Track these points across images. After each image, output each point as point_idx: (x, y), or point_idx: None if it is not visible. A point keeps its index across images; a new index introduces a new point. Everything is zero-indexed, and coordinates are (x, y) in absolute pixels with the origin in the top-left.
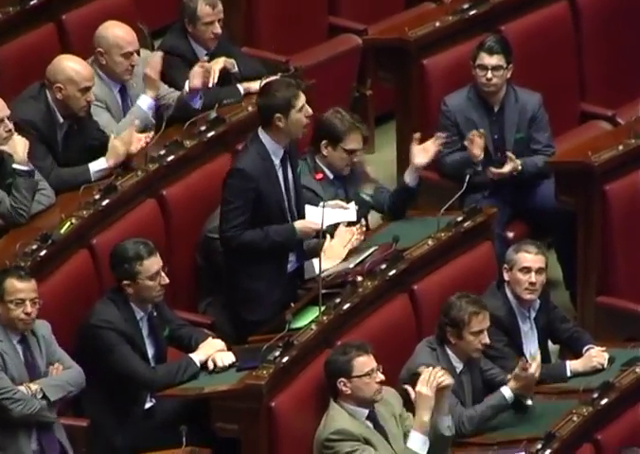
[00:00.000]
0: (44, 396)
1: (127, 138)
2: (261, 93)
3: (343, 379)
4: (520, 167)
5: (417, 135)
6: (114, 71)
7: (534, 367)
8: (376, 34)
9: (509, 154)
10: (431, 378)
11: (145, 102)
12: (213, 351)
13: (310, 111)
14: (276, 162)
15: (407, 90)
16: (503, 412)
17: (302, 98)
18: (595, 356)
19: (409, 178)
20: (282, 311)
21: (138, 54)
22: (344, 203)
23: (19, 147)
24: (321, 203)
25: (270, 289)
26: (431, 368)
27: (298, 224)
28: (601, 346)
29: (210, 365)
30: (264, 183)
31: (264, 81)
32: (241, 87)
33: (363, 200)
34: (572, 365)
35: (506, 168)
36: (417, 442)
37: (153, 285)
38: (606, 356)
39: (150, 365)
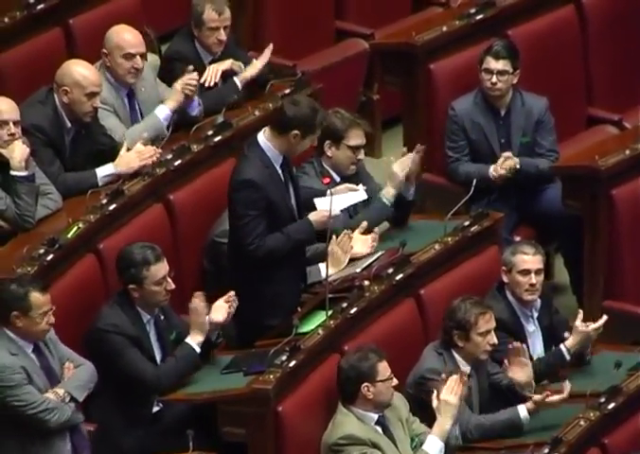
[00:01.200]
0: (72, 398)
1: (146, 154)
2: (295, 103)
3: (367, 384)
4: (518, 166)
5: (404, 150)
6: (116, 72)
7: (556, 397)
8: (383, 38)
9: (507, 153)
10: (456, 386)
11: (163, 112)
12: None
13: (315, 143)
14: (277, 168)
15: (414, 94)
16: (514, 430)
17: (319, 132)
18: (582, 326)
19: (404, 190)
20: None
21: (144, 58)
22: (352, 185)
23: (16, 152)
24: (329, 191)
25: (286, 293)
26: (454, 376)
27: (312, 216)
28: (607, 350)
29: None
30: (272, 190)
31: (295, 96)
32: (238, 80)
33: (384, 204)
34: (567, 345)
35: (503, 166)
36: (435, 447)
37: (159, 290)
38: None
39: (156, 367)
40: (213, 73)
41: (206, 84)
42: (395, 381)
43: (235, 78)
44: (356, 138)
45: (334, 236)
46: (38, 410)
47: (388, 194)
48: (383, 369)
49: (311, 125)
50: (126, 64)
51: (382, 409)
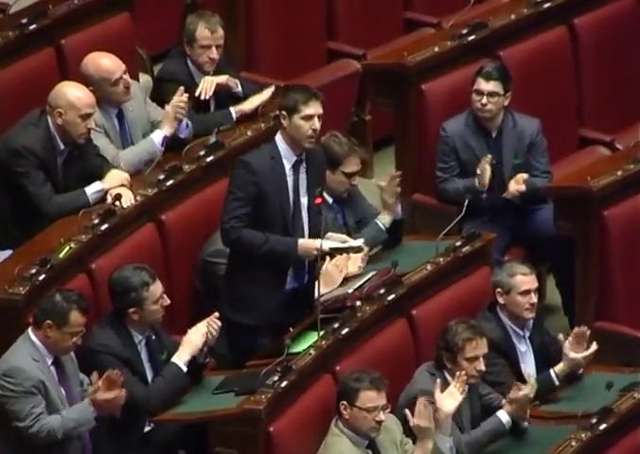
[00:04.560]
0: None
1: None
2: (281, 92)
3: (345, 403)
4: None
5: (394, 172)
6: (109, 99)
7: (528, 388)
8: (375, 59)
9: (525, 175)
10: (424, 410)
11: (158, 137)
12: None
13: (317, 125)
14: (287, 166)
15: (406, 115)
16: (501, 437)
17: (313, 108)
18: (574, 354)
19: (393, 213)
20: (278, 325)
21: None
22: (348, 238)
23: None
24: (327, 234)
25: (265, 295)
26: (422, 399)
27: (302, 241)
28: (599, 370)
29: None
30: (268, 181)
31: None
32: (234, 110)
33: (379, 228)
34: (557, 370)
35: (522, 187)
36: None
37: (157, 308)
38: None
39: (145, 387)
40: (208, 85)
41: (202, 97)
42: (381, 417)
43: (231, 109)
44: (352, 166)
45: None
46: (25, 424)
47: (384, 220)
48: (367, 398)
49: (292, 103)
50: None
51: (362, 435)
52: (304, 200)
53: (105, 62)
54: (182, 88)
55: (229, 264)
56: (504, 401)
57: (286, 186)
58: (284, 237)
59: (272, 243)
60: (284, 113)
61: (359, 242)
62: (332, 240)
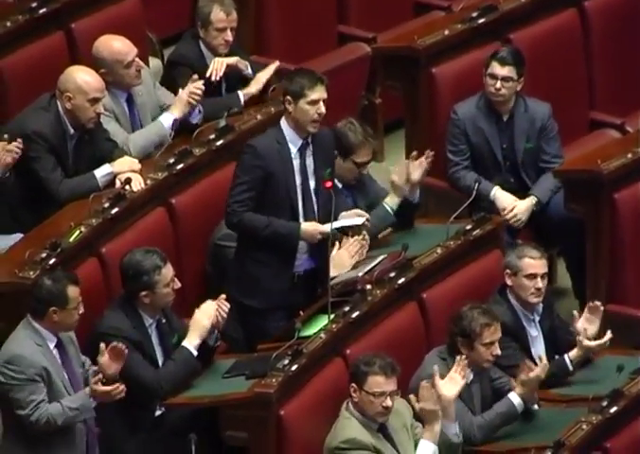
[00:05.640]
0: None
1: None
2: (287, 76)
3: (354, 385)
4: (534, 200)
5: (415, 153)
6: (121, 83)
7: (539, 369)
8: (385, 42)
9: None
10: (428, 393)
11: (168, 120)
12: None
13: (323, 110)
14: (293, 150)
15: (416, 98)
16: (513, 420)
17: (318, 93)
18: (589, 343)
19: (410, 194)
20: (289, 309)
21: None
22: (360, 211)
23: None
24: (341, 214)
25: (272, 277)
26: (424, 382)
27: (305, 224)
28: (609, 353)
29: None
30: (275, 164)
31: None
32: (242, 93)
33: (387, 211)
34: (571, 357)
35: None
36: (428, 450)
37: (169, 291)
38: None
39: (156, 371)
40: (219, 66)
41: (212, 78)
42: (387, 403)
43: (239, 92)
44: (364, 156)
45: (345, 238)
46: (25, 412)
47: (392, 202)
48: (374, 383)
49: (298, 88)
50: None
51: (371, 419)
52: (312, 183)
53: (118, 45)
54: (195, 76)
55: (237, 247)
56: (514, 382)
57: (292, 170)
58: (287, 222)
59: (274, 226)
60: (289, 98)
61: (361, 220)
62: (345, 218)
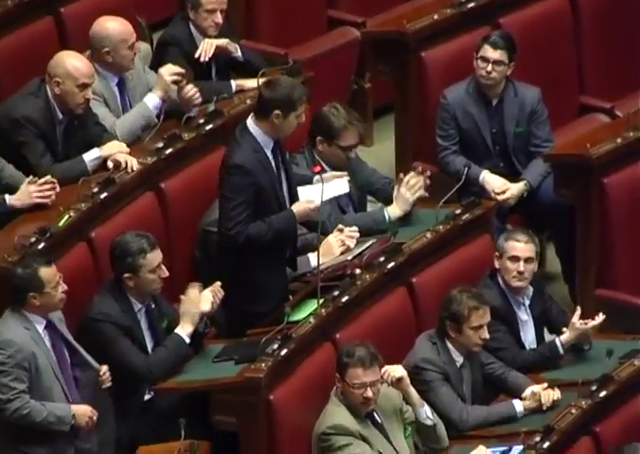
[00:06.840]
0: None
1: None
2: (270, 84)
3: (338, 375)
4: (526, 186)
5: (420, 168)
6: (120, 64)
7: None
8: (374, 27)
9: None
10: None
11: (152, 101)
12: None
13: (303, 119)
14: (269, 153)
15: (406, 83)
16: (507, 421)
17: (304, 106)
18: (580, 323)
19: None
20: (280, 303)
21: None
22: (338, 172)
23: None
24: (316, 177)
25: (273, 280)
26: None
27: (295, 207)
28: (599, 338)
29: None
30: (262, 176)
31: (270, 77)
32: (234, 83)
33: (384, 218)
34: (562, 340)
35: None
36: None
37: (154, 278)
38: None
39: (147, 357)
40: (208, 47)
41: (201, 59)
42: (368, 394)
43: (232, 82)
44: (349, 139)
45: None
46: (7, 397)
47: (394, 213)
48: (353, 375)
49: (289, 102)
50: (130, 54)
51: (357, 408)
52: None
53: (124, 24)
54: (185, 82)
55: (232, 258)
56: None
57: (273, 172)
58: (279, 214)
59: (274, 225)
60: (279, 112)
61: (345, 185)
62: (325, 180)
